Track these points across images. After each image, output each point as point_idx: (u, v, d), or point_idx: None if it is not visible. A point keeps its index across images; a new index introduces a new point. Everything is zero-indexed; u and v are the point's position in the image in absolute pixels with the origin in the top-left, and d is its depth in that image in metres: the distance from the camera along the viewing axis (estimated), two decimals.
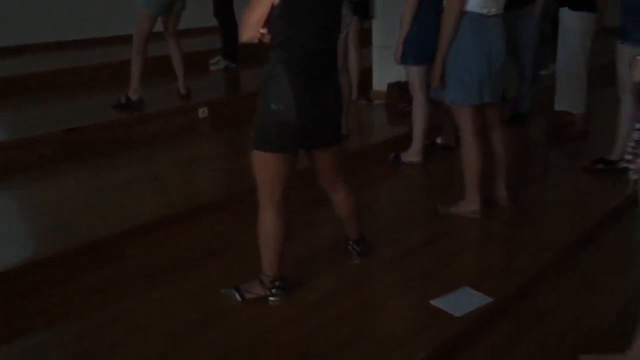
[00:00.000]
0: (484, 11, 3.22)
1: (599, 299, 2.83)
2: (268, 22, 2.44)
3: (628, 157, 2.25)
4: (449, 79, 3.33)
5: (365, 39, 5.70)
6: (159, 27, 4.93)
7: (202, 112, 5.05)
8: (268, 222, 2.60)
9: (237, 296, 2.70)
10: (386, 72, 5.47)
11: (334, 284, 2.88)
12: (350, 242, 3.05)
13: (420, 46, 4.10)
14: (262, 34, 2.46)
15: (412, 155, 4.40)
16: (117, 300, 2.72)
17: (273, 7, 2.40)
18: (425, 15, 4.05)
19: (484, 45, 3.24)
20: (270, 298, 2.69)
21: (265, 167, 2.57)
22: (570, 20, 4.75)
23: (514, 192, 3.70)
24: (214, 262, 3.06)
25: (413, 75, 4.29)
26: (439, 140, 4.73)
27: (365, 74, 5.70)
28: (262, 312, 2.64)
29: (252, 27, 2.43)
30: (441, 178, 4.01)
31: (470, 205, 3.48)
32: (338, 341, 2.44)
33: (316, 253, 3.12)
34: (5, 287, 2.68)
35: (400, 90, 5.28)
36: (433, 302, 2.67)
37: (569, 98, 4.97)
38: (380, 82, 5.62)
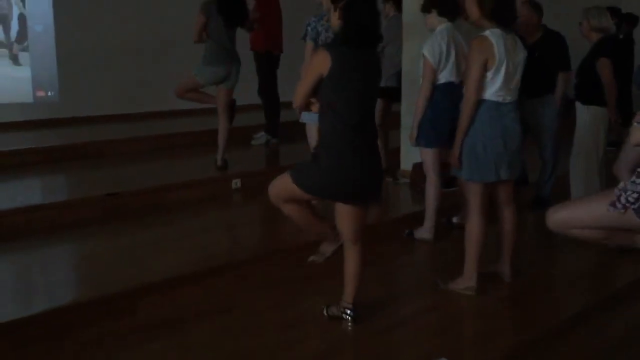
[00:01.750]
0: (500, 99, 3.50)
1: None
2: (318, 92, 2.90)
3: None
4: (467, 157, 3.54)
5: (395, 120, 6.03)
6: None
7: (235, 184, 5.42)
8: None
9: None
10: (412, 152, 5.72)
11: (317, 347, 3.08)
12: (345, 307, 3.23)
13: (433, 130, 4.36)
14: (312, 103, 2.92)
15: (424, 232, 4.59)
16: (118, 351, 2.99)
17: (322, 78, 2.86)
18: (438, 101, 4.34)
19: (499, 128, 3.50)
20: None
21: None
22: (582, 114, 4.88)
23: (522, 270, 3.84)
24: (220, 319, 3.30)
25: (426, 156, 4.54)
26: (455, 219, 4.90)
27: (395, 154, 6.00)
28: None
29: (302, 95, 2.95)
30: (449, 255, 4.17)
31: (466, 282, 3.63)
32: None
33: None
34: (23, 333, 2.99)
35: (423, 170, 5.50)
36: None
37: (582, 192, 4.94)
38: (406, 161, 5.88)
